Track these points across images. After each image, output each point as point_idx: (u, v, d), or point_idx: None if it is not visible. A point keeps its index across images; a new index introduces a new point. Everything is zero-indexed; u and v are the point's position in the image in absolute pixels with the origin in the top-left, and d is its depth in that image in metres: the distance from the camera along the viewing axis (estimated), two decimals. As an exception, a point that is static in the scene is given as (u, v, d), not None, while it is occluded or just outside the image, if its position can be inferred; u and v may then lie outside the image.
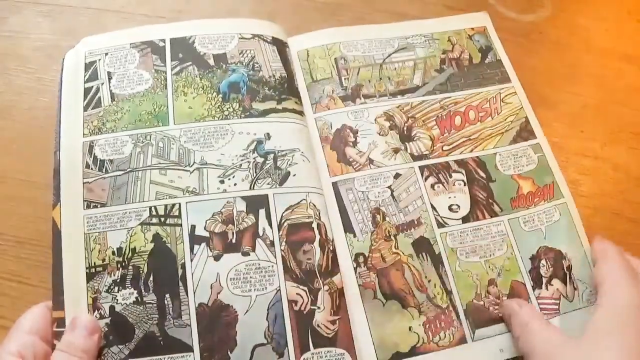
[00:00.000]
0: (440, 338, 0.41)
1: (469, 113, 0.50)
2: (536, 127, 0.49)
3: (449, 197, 0.46)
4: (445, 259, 0.44)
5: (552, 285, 0.43)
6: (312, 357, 0.38)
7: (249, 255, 0.41)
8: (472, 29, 0.55)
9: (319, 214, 0.43)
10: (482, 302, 0.42)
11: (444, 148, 0.48)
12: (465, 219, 0.45)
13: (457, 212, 0.46)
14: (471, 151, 0.48)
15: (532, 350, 0.37)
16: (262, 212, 0.42)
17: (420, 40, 0.53)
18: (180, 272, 0.40)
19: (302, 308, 0.40)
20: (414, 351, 0.40)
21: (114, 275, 0.39)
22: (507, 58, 0.53)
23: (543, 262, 0.44)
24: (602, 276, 0.39)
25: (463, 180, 0.47)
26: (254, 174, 0.43)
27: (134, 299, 0.39)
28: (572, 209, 0.46)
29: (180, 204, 0.41)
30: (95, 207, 0.41)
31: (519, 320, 0.40)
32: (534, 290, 0.43)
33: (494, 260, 0.44)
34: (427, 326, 0.41)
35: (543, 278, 0.43)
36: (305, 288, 0.40)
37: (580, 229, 0.45)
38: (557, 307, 0.42)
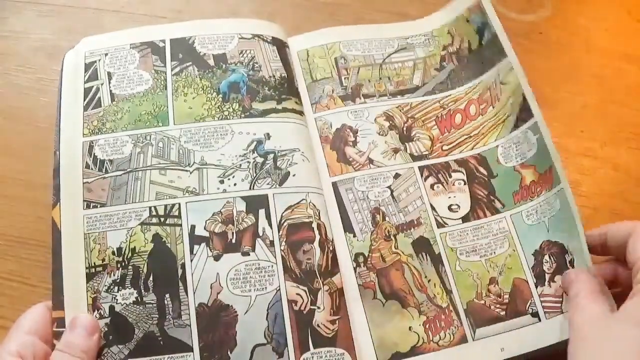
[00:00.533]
0: (440, 338, 0.41)
1: (470, 108, 0.49)
2: (532, 103, 0.46)
3: (449, 197, 0.46)
4: (445, 259, 0.44)
5: (555, 282, 0.42)
6: (312, 357, 0.38)
7: (249, 255, 0.41)
8: (468, 9, 0.52)
9: (319, 213, 0.43)
10: (483, 301, 0.42)
11: (444, 148, 0.48)
12: (465, 219, 0.45)
13: (456, 212, 0.46)
14: (472, 148, 0.48)
15: (571, 322, 0.37)
16: (262, 212, 0.42)
17: (420, 40, 0.53)
18: (180, 272, 0.40)
19: (302, 308, 0.40)
20: (414, 351, 0.40)
21: (114, 275, 0.39)
22: (501, 28, 0.49)
23: (546, 257, 0.43)
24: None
25: (463, 180, 0.47)
26: (254, 174, 0.43)
27: (134, 299, 0.39)
28: (569, 195, 0.43)
29: (180, 204, 0.41)
30: (95, 207, 0.41)
31: (571, 291, 0.39)
32: (536, 287, 0.42)
33: (495, 258, 0.44)
34: (427, 326, 0.41)
35: (546, 274, 0.42)
36: (305, 288, 0.40)
37: (576, 216, 0.42)
38: (559, 305, 0.41)
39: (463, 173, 0.47)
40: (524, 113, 0.46)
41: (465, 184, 0.47)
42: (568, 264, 0.42)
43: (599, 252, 0.41)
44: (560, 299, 0.41)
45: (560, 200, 0.43)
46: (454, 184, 0.47)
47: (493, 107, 0.49)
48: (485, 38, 0.51)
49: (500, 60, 0.49)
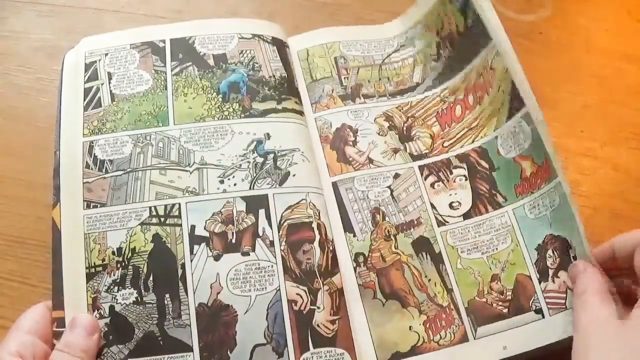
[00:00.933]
0: (441, 337, 0.41)
1: (468, 98, 0.49)
2: (522, 90, 0.43)
3: (450, 195, 0.46)
4: (445, 258, 0.44)
5: (559, 277, 0.41)
6: (312, 357, 0.38)
7: (249, 255, 0.41)
8: None
9: (319, 213, 0.43)
10: (484, 299, 0.42)
11: (445, 144, 0.48)
12: (466, 215, 0.45)
13: (457, 209, 0.45)
14: (472, 141, 0.47)
15: (577, 321, 0.36)
16: (261, 212, 0.42)
17: (417, 30, 0.53)
18: (180, 272, 0.40)
19: (302, 308, 0.40)
20: (414, 351, 0.40)
21: (114, 275, 0.39)
22: (483, 7, 0.46)
23: (550, 252, 0.42)
24: None
25: (464, 175, 0.46)
26: (254, 174, 0.43)
27: (134, 299, 0.39)
28: (566, 189, 0.41)
29: (180, 204, 0.41)
30: (95, 207, 0.41)
31: (577, 286, 0.37)
32: (540, 283, 0.42)
33: (498, 254, 0.43)
34: (427, 325, 0.41)
35: (549, 270, 0.41)
36: (305, 288, 0.40)
37: (575, 211, 0.40)
38: (564, 301, 0.40)
39: (464, 168, 0.47)
40: (516, 101, 0.45)
41: (466, 179, 0.46)
42: (572, 259, 0.41)
43: (610, 267, 0.40)
44: (565, 295, 0.40)
45: (559, 194, 0.42)
46: (454, 181, 0.46)
47: (488, 95, 0.47)
48: (469, 17, 0.48)
49: (487, 43, 0.47)
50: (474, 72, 0.49)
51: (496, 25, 0.45)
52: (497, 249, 0.44)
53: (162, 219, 0.41)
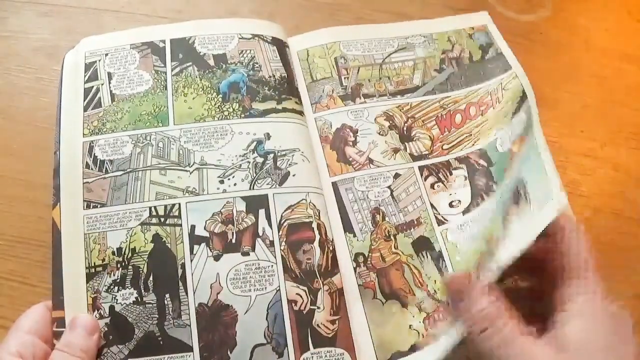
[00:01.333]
0: (440, 334, 0.41)
1: (470, 109, 0.50)
2: (530, 93, 0.47)
3: (450, 195, 0.46)
4: (445, 255, 0.44)
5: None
6: (312, 357, 0.38)
7: (249, 255, 0.41)
8: (472, 27, 0.54)
9: (319, 213, 0.43)
10: None
11: (444, 147, 0.48)
12: (466, 211, 0.45)
13: (457, 207, 0.46)
14: (473, 145, 0.48)
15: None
16: (261, 212, 0.42)
17: (419, 40, 0.53)
18: (180, 272, 0.40)
19: (302, 308, 0.40)
20: (414, 349, 0.40)
21: (114, 275, 0.39)
22: (509, 49, 0.52)
23: None
24: (569, 270, 0.33)
25: (464, 175, 0.47)
26: (254, 174, 0.43)
27: (134, 299, 0.39)
28: (538, 136, 0.40)
29: (180, 204, 0.41)
30: (95, 207, 0.41)
31: (483, 311, 0.31)
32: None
33: (490, 229, 0.42)
34: (427, 322, 0.41)
35: None
36: (305, 288, 0.40)
37: (546, 156, 0.39)
38: None
39: (464, 169, 0.47)
40: (522, 104, 0.47)
41: (466, 179, 0.47)
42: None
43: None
44: None
45: (532, 147, 0.41)
46: (454, 181, 0.47)
47: (493, 108, 0.49)
48: (489, 55, 0.52)
49: (504, 72, 0.50)
50: (482, 92, 0.50)
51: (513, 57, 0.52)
52: (486, 226, 0.43)
53: (162, 219, 0.41)
